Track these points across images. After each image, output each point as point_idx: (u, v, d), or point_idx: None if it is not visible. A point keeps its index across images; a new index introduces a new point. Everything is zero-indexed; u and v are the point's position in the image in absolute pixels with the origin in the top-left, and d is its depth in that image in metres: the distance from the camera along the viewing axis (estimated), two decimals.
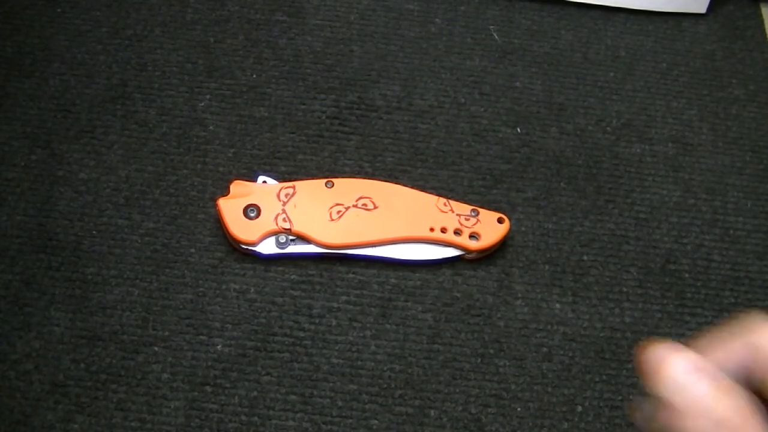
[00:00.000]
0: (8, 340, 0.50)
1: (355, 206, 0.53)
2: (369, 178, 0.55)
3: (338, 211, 0.52)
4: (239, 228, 0.51)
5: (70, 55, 0.60)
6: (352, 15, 0.63)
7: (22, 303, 0.51)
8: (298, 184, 0.53)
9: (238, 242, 0.52)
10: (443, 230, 0.52)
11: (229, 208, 0.52)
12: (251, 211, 0.52)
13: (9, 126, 0.57)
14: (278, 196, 0.53)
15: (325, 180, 0.53)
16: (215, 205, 0.52)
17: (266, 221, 0.52)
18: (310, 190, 0.53)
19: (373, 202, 0.53)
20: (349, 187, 0.53)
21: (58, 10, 0.62)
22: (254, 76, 0.60)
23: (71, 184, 0.55)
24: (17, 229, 0.53)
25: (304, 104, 0.59)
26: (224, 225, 0.52)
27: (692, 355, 0.28)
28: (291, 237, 0.52)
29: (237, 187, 0.53)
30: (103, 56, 0.60)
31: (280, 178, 0.55)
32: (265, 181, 0.54)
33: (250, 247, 0.52)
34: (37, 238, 0.53)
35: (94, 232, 0.53)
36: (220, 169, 0.56)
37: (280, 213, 0.52)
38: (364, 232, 0.52)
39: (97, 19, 0.62)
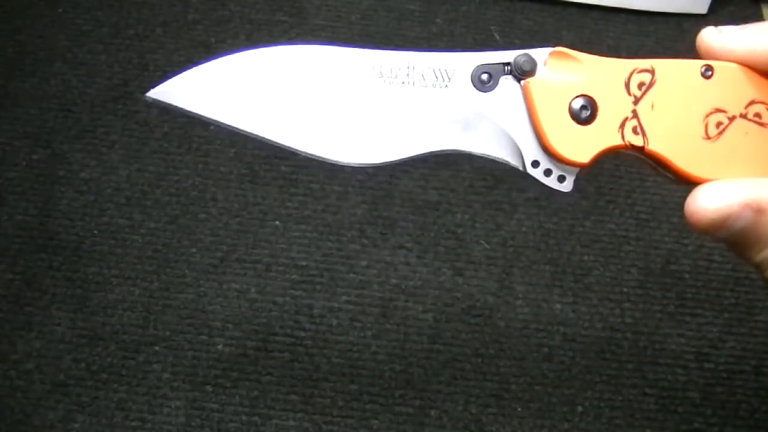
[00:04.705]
0: (9, 340, 0.50)
1: (743, 116, 0.31)
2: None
3: (718, 123, 0.31)
4: (560, 135, 0.30)
5: (71, 55, 0.60)
6: (354, 15, 0.63)
7: (23, 302, 0.51)
8: (658, 65, 0.31)
9: (557, 159, 0.31)
10: None
11: (546, 98, 0.30)
12: (583, 107, 0.30)
13: (10, 126, 0.57)
14: (627, 84, 0.31)
15: (702, 64, 0.31)
16: (523, 89, 0.30)
17: (605, 128, 0.30)
18: (677, 80, 0.31)
19: None
20: (736, 82, 0.31)
21: (60, 9, 0.62)
22: None
23: (72, 184, 0.55)
24: (18, 229, 0.53)
25: None
26: (535, 125, 0.31)
27: None
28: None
29: (558, 58, 0.30)
30: (104, 56, 0.60)
31: (281, 177, 0.55)
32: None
33: (567, 172, 0.31)
34: (38, 237, 0.53)
35: (95, 231, 0.53)
36: (221, 169, 0.56)
37: (629, 117, 0.30)
38: (752, 164, 0.31)
39: (98, 19, 0.62)
